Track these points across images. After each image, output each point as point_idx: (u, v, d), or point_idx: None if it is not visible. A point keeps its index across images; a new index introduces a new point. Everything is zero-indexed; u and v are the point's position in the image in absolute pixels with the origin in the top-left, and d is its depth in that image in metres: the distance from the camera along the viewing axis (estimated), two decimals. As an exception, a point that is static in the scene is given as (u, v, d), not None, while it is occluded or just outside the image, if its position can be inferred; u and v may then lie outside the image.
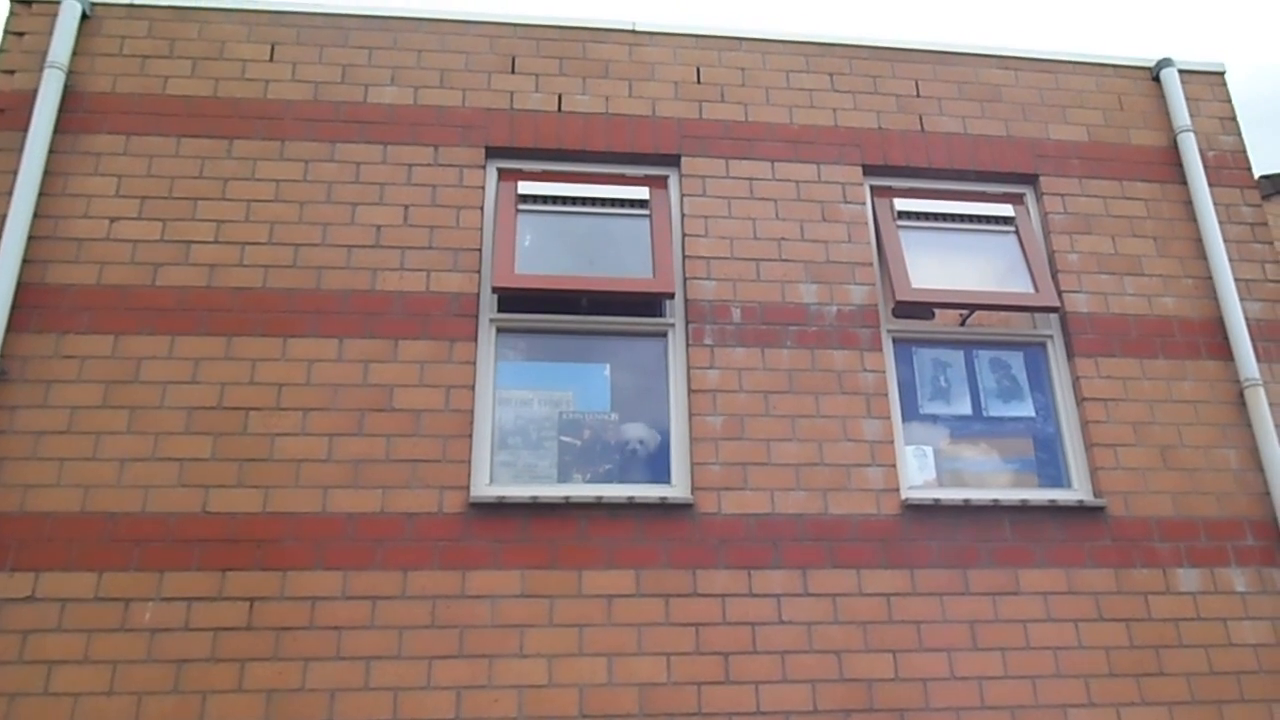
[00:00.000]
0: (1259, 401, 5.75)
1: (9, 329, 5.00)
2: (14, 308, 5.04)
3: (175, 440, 4.94)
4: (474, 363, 5.28)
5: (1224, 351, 5.94)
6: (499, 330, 5.49)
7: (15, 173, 5.25)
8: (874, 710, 4.85)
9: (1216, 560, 5.42)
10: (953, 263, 5.98)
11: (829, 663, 4.91)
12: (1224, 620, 5.29)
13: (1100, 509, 5.43)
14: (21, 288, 5.09)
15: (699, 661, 4.83)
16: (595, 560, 4.95)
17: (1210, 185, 6.34)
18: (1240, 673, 5.18)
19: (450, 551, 4.87)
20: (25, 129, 5.36)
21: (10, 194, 5.21)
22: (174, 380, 5.05)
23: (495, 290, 5.41)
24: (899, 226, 5.99)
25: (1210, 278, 6.13)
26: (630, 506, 5.07)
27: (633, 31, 6.23)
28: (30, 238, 5.19)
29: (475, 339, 5.33)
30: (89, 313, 5.13)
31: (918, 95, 6.35)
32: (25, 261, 5.14)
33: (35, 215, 5.24)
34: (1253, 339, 5.93)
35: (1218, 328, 6.00)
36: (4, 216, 5.15)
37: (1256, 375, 5.80)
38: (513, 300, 5.54)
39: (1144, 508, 5.49)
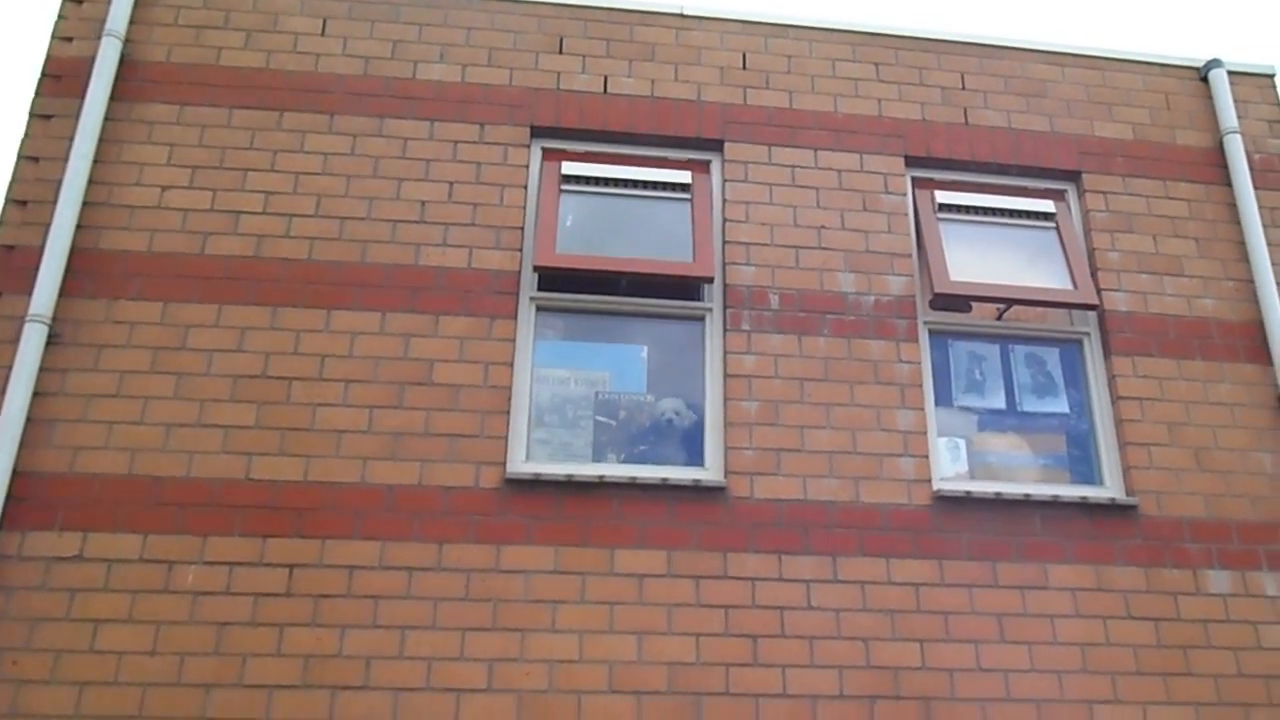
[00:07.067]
0: (1297, 407, 5.72)
1: (62, 293, 5.09)
2: (67, 272, 5.13)
3: (220, 407, 5.03)
4: (513, 340, 5.34)
5: (1262, 356, 5.91)
6: (539, 309, 5.55)
7: (71, 139, 5.34)
8: (900, 698, 4.89)
9: (1248, 563, 5.41)
10: (992, 257, 5.99)
11: (856, 649, 4.95)
12: (1254, 623, 5.28)
13: (1132, 507, 5.42)
14: (75, 253, 5.18)
15: (728, 643, 4.89)
16: (628, 539, 5.00)
17: (1256, 188, 6.29)
18: (1269, 676, 5.17)
19: (485, 526, 4.94)
20: (81, 96, 5.43)
21: (66, 160, 5.30)
22: (220, 348, 5.14)
23: (536, 269, 5.47)
24: (939, 219, 5.99)
25: (1252, 281, 6.08)
26: (664, 488, 5.12)
27: (680, 15, 6.25)
28: (84, 204, 5.28)
29: (515, 316, 5.40)
30: (140, 279, 5.22)
31: (963, 88, 6.33)
32: (79, 227, 5.23)
33: (90, 182, 5.32)
34: (1292, 344, 5.88)
35: (1257, 331, 5.96)
36: (59, 182, 5.24)
37: (1294, 380, 5.77)
38: (553, 279, 5.59)
39: (1176, 508, 5.48)
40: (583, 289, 5.62)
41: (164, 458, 4.91)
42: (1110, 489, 5.57)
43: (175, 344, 5.12)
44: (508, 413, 5.19)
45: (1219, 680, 5.13)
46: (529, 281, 5.56)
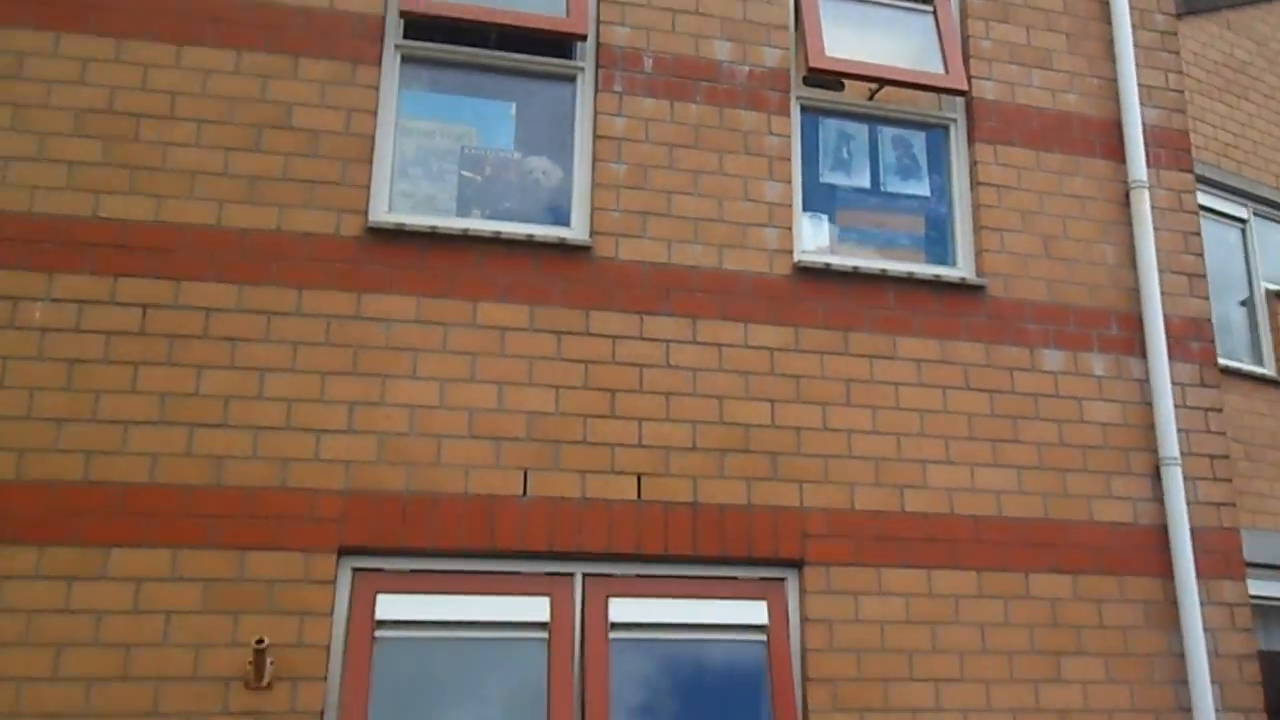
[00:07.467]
0: (1142, 203, 5.97)
1: (-124, 9, 4.71)
2: (-119, -13, 4.73)
3: (62, 142, 4.77)
4: (377, 88, 5.17)
5: (1117, 153, 6.12)
6: (404, 58, 5.35)
7: None
8: (749, 451, 5.13)
9: (1080, 345, 5.75)
10: (868, 37, 5.98)
11: (710, 406, 5.16)
12: (1079, 399, 5.65)
13: (980, 288, 5.67)
14: (-113, -34, 4.77)
15: (587, 395, 5.03)
16: (490, 293, 5.03)
17: (1129, -12, 6.39)
18: (1087, 447, 5.57)
19: (346, 273, 4.90)
20: None
21: None
22: (60, 80, 4.83)
23: (403, 14, 5.25)
24: (819, -7, 5.94)
25: (1115, 80, 6.23)
26: (528, 244, 5.14)
27: None
28: (-104, -89, 4.82)
29: (379, 63, 5.20)
30: (-35, 0, 4.84)
31: None
32: (-108, -62, 4.80)
33: (-99, -113, 4.85)
34: (1146, 144, 6.09)
35: (1114, 129, 6.16)
36: None
37: (1144, 178, 6.01)
38: (420, 27, 5.36)
39: (1021, 291, 5.75)
40: (451, 40, 5.42)
41: (3, 192, 4.68)
42: (962, 269, 5.80)
43: (9, 72, 4.79)
44: (370, 162, 5.07)
45: (1041, 447, 5.52)
46: (395, 28, 5.33)
